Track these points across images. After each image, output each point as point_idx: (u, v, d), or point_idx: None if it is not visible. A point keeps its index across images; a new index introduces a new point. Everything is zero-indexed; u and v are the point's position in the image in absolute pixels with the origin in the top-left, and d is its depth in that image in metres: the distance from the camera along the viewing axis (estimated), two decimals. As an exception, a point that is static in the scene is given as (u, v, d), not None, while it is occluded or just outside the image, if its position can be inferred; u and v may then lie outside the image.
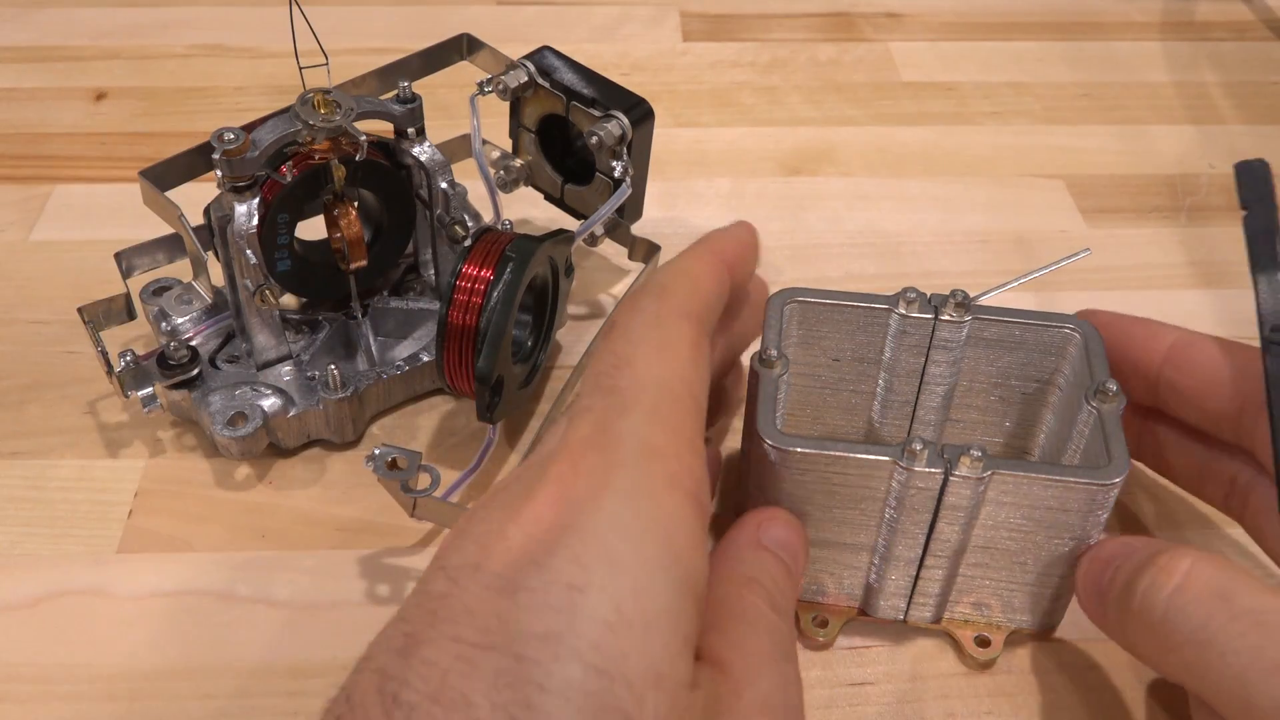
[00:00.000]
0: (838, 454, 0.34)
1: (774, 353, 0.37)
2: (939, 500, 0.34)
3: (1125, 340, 0.38)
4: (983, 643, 0.37)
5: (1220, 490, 0.38)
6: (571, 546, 0.25)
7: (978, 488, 0.33)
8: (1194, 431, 0.38)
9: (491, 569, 0.25)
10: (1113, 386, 0.35)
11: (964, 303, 0.38)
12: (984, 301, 0.38)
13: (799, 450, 0.34)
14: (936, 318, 0.38)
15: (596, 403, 0.29)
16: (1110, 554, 0.34)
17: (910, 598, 0.37)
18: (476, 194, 0.47)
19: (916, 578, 0.36)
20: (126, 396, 0.41)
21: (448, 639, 0.24)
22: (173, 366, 0.42)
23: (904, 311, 0.38)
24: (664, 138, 0.52)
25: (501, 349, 0.38)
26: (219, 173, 0.40)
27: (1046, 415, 0.40)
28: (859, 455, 0.34)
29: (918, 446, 0.33)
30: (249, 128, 0.40)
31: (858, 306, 0.39)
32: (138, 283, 0.45)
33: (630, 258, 0.49)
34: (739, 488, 0.39)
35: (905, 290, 0.38)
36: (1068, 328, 0.38)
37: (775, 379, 0.36)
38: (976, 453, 0.33)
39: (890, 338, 0.39)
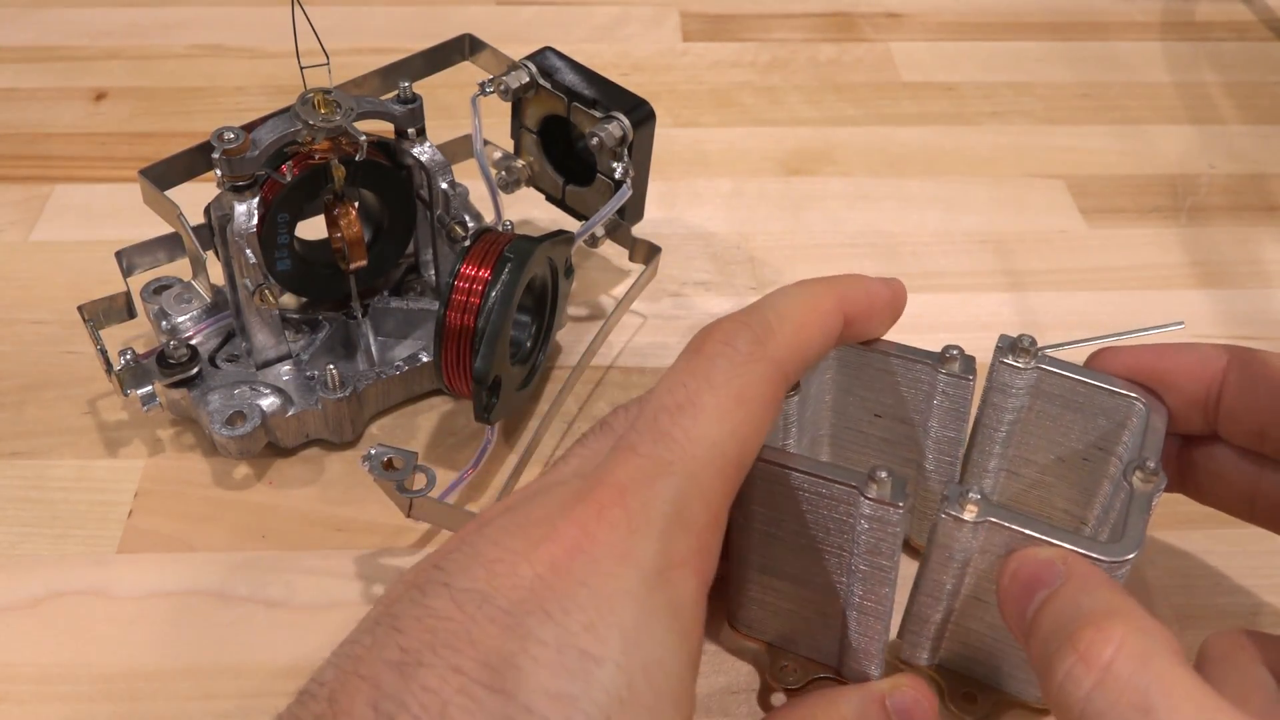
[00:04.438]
0: (797, 470, 0.31)
1: None
2: (932, 541, 0.32)
3: (1174, 369, 0.35)
4: (969, 699, 0.35)
5: (1277, 512, 0.35)
6: (586, 610, 0.25)
7: (973, 532, 0.31)
8: (1246, 453, 0.35)
9: (499, 603, 0.25)
10: (1152, 465, 0.32)
11: (1029, 349, 0.35)
12: (1055, 354, 0.35)
13: (758, 459, 0.31)
14: (999, 361, 0.35)
15: (643, 444, 0.28)
16: (1034, 576, 0.30)
17: (883, 661, 0.35)
18: (478, 194, 0.47)
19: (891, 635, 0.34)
20: (126, 395, 0.41)
21: (449, 668, 0.24)
22: (172, 365, 0.42)
23: (946, 371, 0.35)
24: (664, 138, 0.52)
25: (499, 349, 0.38)
26: (219, 172, 0.40)
27: (1105, 486, 0.36)
28: (819, 475, 0.31)
29: (882, 475, 0.30)
30: (249, 127, 0.40)
31: (899, 359, 0.36)
32: (138, 281, 0.45)
33: (631, 259, 0.49)
34: None
35: (947, 348, 0.35)
36: (1133, 397, 0.34)
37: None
38: (976, 495, 0.30)
39: (933, 398, 0.36)
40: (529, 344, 0.43)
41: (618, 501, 0.27)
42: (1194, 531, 0.41)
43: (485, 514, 0.28)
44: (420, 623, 0.25)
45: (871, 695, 0.32)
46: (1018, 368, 0.35)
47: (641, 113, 0.44)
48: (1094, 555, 0.30)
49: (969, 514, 0.30)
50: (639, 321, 0.50)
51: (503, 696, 0.23)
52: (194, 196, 0.42)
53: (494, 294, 0.38)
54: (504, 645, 0.24)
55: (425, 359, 0.45)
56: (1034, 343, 0.35)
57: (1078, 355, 0.36)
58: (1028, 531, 0.30)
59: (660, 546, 0.26)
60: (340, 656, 0.26)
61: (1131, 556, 0.30)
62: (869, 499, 0.31)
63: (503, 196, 0.47)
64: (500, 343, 0.38)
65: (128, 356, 0.41)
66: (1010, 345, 0.35)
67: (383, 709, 0.24)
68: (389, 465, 0.38)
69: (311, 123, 0.40)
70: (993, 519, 0.30)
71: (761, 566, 0.35)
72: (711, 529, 0.28)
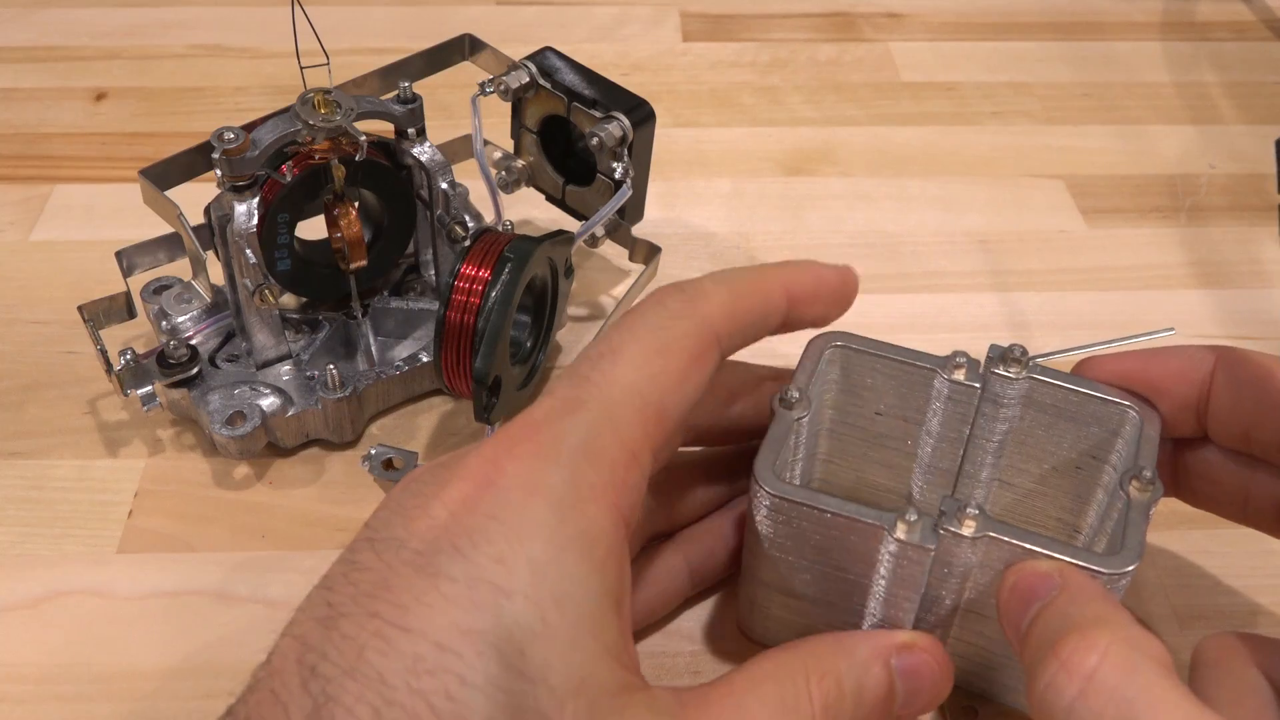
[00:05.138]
0: (823, 510, 0.31)
1: (796, 394, 0.34)
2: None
3: (1162, 374, 0.35)
4: (969, 713, 0.35)
5: (1269, 513, 0.35)
6: (496, 543, 0.25)
7: (971, 548, 0.31)
8: (1236, 455, 0.35)
9: (413, 545, 0.26)
10: (1149, 474, 0.32)
11: (1021, 359, 0.35)
12: (1047, 363, 0.35)
13: (781, 497, 0.31)
14: (990, 371, 0.35)
15: (561, 388, 0.29)
16: (1030, 589, 0.29)
17: None
18: (478, 194, 0.47)
19: None
20: (126, 395, 0.42)
21: (367, 614, 0.25)
22: (172, 365, 0.42)
23: (951, 377, 0.35)
24: (664, 138, 0.52)
25: (499, 349, 0.38)
26: (219, 172, 0.40)
27: (1099, 494, 0.36)
28: (846, 515, 0.31)
29: (912, 518, 0.30)
30: (249, 127, 0.40)
31: (903, 363, 0.36)
32: (138, 281, 0.45)
33: (631, 259, 0.49)
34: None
35: (955, 354, 0.35)
36: (1126, 405, 0.34)
37: (791, 421, 0.34)
38: (974, 510, 0.30)
39: (936, 401, 0.36)
40: (529, 344, 0.43)
41: (529, 436, 0.27)
42: (1193, 531, 0.41)
43: (414, 472, 0.29)
44: (346, 578, 0.26)
45: (879, 649, 0.31)
46: (1009, 378, 0.35)
47: (641, 113, 0.44)
48: (1094, 568, 0.29)
49: (967, 529, 0.30)
50: (639, 321, 0.50)
51: (414, 635, 0.24)
52: (194, 196, 0.42)
53: (494, 294, 0.38)
54: (416, 585, 0.25)
55: (425, 359, 0.45)
56: (1025, 352, 0.35)
57: (1070, 364, 0.36)
58: (1027, 545, 0.30)
59: (569, 476, 0.27)
60: (287, 624, 0.26)
61: (1132, 568, 0.29)
62: (897, 540, 0.30)
63: (503, 196, 0.47)
64: (500, 343, 0.38)
65: (128, 356, 0.41)
66: (1001, 355, 0.35)
67: (306, 661, 0.24)
68: (389, 465, 0.38)
69: (311, 123, 0.40)
70: (992, 534, 0.30)
71: (776, 586, 0.34)
72: (629, 466, 0.28)
